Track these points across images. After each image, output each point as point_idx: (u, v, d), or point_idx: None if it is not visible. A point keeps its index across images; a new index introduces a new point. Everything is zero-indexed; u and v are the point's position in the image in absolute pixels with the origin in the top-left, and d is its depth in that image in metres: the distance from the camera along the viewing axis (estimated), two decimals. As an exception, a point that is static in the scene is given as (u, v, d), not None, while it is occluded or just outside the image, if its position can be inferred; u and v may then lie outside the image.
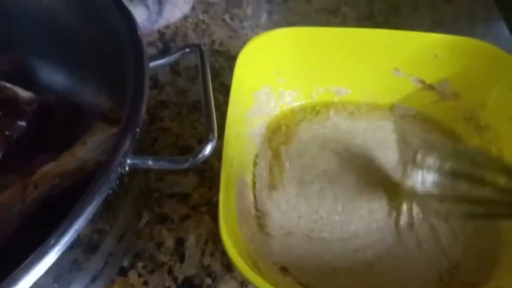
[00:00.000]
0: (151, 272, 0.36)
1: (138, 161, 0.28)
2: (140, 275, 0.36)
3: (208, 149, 0.28)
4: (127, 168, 0.27)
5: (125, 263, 0.36)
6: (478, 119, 0.41)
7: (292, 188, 0.39)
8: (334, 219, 0.37)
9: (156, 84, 0.50)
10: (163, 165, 0.29)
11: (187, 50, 0.34)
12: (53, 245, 0.21)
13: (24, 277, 0.20)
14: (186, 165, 0.28)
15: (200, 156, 0.28)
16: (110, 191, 0.26)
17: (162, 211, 0.40)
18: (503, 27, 0.57)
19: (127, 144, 0.25)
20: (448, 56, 0.41)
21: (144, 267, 0.36)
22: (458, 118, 0.42)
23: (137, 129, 0.26)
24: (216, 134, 0.29)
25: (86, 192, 0.23)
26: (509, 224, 0.36)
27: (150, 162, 0.28)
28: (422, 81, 0.43)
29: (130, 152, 0.26)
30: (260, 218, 0.37)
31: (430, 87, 0.43)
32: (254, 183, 0.39)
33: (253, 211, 0.37)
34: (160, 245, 0.38)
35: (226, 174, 0.31)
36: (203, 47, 0.34)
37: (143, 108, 0.27)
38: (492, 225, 0.36)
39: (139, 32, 0.31)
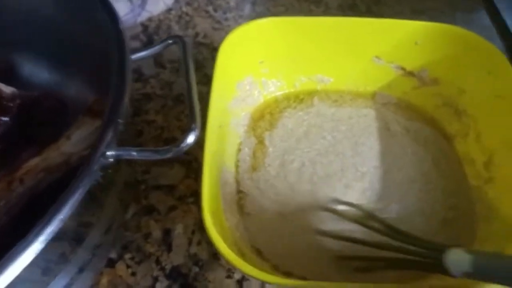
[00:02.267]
0: (139, 262, 0.37)
1: (122, 152, 0.28)
2: (128, 266, 0.36)
3: (190, 138, 0.29)
4: (111, 160, 0.28)
5: (113, 255, 0.37)
6: (457, 105, 0.42)
7: (273, 168, 0.40)
8: (306, 189, 0.38)
9: (140, 77, 0.50)
10: (147, 155, 0.29)
11: (170, 41, 0.35)
12: (36, 237, 0.21)
13: (8, 268, 0.21)
14: (169, 155, 0.29)
15: (183, 145, 0.29)
16: (95, 183, 0.26)
17: (149, 202, 0.40)
18: (483, 16, 0.58)
19: (109, 135, 0.26)
20: (427, 43, 0.41)
21: (132, 258, 0.37)
22: (438, 104, 0.43)
23: (119, 120, 0.26)
24: (199, 124, 0.29)
25: (70, 184, 0.24)
26: (482, 200, 0.37)
27: (134, 153, 0.28)
28: (403, 68, 0.44)
29: (113, 143, 0.27)
30: (241, 199, 0.38)
31: (411, 73, 0.44)
32: (237, 170, 0.40)
33: (236, 197, 0.38)
34: (147, 236, 0.38)
35: (208, 165, 0.31)
36: (185, 38, 0.34)
37: (126, 99, 0.27)
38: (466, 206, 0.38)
39: (120, 25, 0.32)
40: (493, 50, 0.39)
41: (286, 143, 0.42)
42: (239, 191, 0.39)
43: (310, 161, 0.40)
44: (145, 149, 0.29)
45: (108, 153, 0.27)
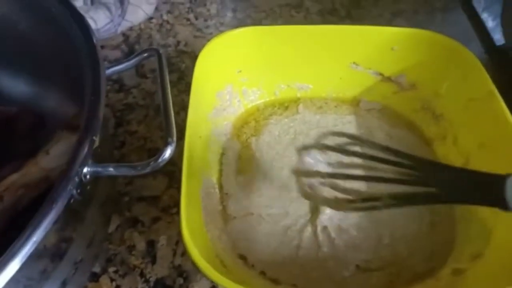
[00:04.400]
0: (123, 276, 0.37)
1: (99, 169, 0.28)
2: (112, 280, 0.36)
3: (167, 153, 0.29)
4: (88, 177, 0.28)
5: (97, 269, 0.37)
6: (434, 109, 0.42)
7: (260, 173, 0.40)
8: (294, 196, 0.39)
9: (122, 87, 0.50)
10: (125, 171, 0.29)
11: (145, 54, 0.35)
12: (11, 260, 0.21)
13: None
14: (147, 170, 0.29)
15: (160, 160, 0.29)
16: (72, 200, 0.26)
17: (132, 214, 0.40)
18: (460, 15, 0.59)
19: (83, 153, 0.26)
20: (404, 49, 0.42)
21: (116, 271, 0.37)
22: (416, 108, 0.44)
23: (94, 138, 0.26)
24: (175, 138, 0.30)
25: (43, 204, 0.24)
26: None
27: (111, 169, 0.28)
28: (381, 74, 0.44)
29: (88, 161, 0.27)
30: (223, 201, 0.39)
31: (389, 79, 0.44)
32: (221, 173, 0.40)
33: (219, 207, 0.38)
34: (131, 248, 0.38)
35: (188, 177, 0.31)
36: (161, 51, 0.35)
37: (100, 117, 0.27)
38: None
39: (94, 40, 0.32)
40: (467, 54, 0.39)
41: (274, 150, 0.42)
42: (223, 195, 0.39)
43: None
44: (123, 164, 0.29)
45: (84, 170, 0.27)
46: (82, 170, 0.26)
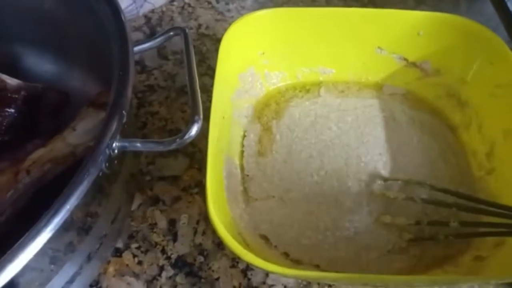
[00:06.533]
0: (145, 252, 0.37)
1: (126, 143, 0.29)
2: (134, 256, 0.37)
3: (194, 130, 0.29)
4: (116, 151, 0.28)
5: (120, 244, 0.38)
6: (459, 95, 0.42)
7: (280, 155, 0.41)
8: (313, 180, 0.39)
9: (143, 69, 0.50)
10: (151, 146, 0.29)
11: (171, 33, 0.35)
12: (44, 227, 0.22)
13: (17, 258, 0.21)
14: (173, 146, 0.29)
15: (186, 137, 0.29)
16: (100, 173, 0.27)
17: (154, 193, 0.41)
18: (486, 4, 0.58)
19: (114, 126, 0.26)
20: (430, 34, 0.41)
21: (138, 247, 0.38)
22: (441, 94, 0.43)
23: (124, 112, 0.27)
24: (201, 115, 0.30)
25: (75, 175, 0.24)
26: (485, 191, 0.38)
27: (138, 144, 0.29)
28: (405, 59, 0.44)
29: (117, 135, 0.27)
30: (245, 183, 0.39)
31: (413, 64, 0.44)
32: (242, 155, 0.40)
33: (240, 188, 0.38)
34: (153, 226, 0.39)
35: (213, 156, 0.32)
36: (187, 30, 0.35)
37: (129, 92, 0.28)
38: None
39: (123, 17, 0.32)
40: (495, 40, 0.38)
41: (294, 133, 0.42)
42: (244, 177, 0.39)
43: (318, 153, 0.41)
44: (149, 140, 0.29)
45: (113, 144, 0.27)
46: (112, 143, 0.26)
